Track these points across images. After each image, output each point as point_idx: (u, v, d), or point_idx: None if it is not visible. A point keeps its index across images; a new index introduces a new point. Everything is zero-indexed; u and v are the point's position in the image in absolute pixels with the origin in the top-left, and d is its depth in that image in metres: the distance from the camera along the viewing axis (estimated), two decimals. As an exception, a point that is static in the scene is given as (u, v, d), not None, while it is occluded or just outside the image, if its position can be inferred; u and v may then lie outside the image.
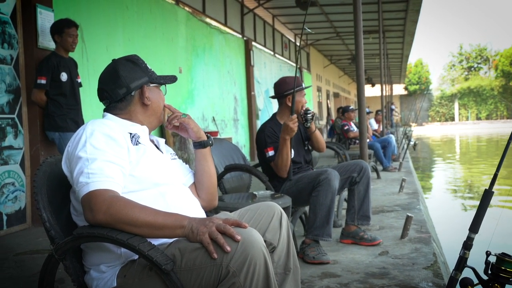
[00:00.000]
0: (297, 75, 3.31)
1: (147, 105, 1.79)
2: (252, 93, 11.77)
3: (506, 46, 53.65)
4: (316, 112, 17.73)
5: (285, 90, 3.44)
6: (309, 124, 3.36)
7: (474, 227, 1.53)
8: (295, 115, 3.16)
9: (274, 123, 3.49)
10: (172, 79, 1.87)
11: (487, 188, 1.50)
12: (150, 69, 1.83)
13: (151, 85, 1.81)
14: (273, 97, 3.59)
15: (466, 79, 54.58)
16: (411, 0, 12.09)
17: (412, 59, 53.54)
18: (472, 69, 56.77)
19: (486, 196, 1.50)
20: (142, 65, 1.81)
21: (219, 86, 9.96)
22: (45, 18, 4.55)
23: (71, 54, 4.56)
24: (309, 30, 9.67)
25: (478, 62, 56.58)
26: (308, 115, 3.33)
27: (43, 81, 4.24)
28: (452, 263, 3.57)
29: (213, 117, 9.42)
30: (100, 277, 1.55)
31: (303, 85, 3.51)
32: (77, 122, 4.44)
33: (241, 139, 11.11)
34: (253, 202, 2.86)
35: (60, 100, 4.35)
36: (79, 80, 4.60)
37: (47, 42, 4.55)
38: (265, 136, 3.37)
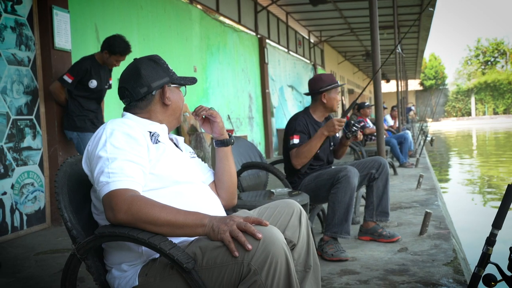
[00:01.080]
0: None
1: (168, 105, 1.80)
2: (267, 90, 11.76)
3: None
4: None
5: (320, 87, 3.45)
6: (351, 135, 3.39)
7: (497, 222, 1.50)
8: (344, 119, 3.24)
9: (307, 115, 3.50)
10: (192, 80, 1.88)
11: (510, 183, 1.47)
12: (171, 70, 1.84)
13: (172, 85, 1.82)
14: (307, 94, 3.60)
15: (483, 74, 53.86)
16: (426, -6, 11.97)
17: (426, 54, 52.98)
18: (489, 63, 55.99)
19: (510, 192, 1.47)
20: (164, 65, 1.82)
21: (234, 84, 9.97)
22: (61, 19, 4.59)
23: (87, 54, 4.59)
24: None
25: (495, 56, 55.78)
26: (355, 127, 3.37)
27: (69, 80, 4.28)
28: (472, 259, 3.55)
29: (228, 115, 9.43)
30: (122, 276, 1.56)
31: (338, 83, 3.51)
32: (96, 123, 4.48)
33: (256, 136, 11.12)
34: (271, 199, 2.86)
35: (82, 102, 4.41)
36: (110, 82, 4.64)
37: (64, 43, 4.60)
38: (296, 124, 3.38)
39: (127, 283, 1.54)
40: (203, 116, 1.98)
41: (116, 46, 4.34)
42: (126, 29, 6.04)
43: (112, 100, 5.30)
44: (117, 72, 5.59)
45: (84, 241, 1.53)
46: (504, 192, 1.55)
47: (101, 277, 1.61)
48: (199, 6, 8.59)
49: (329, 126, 3.19)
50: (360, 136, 3.44)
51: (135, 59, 1.83)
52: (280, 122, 12.68)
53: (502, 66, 55.40)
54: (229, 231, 1.39)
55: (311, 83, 3.54)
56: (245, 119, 10.50)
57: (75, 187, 1.71)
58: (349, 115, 14.09)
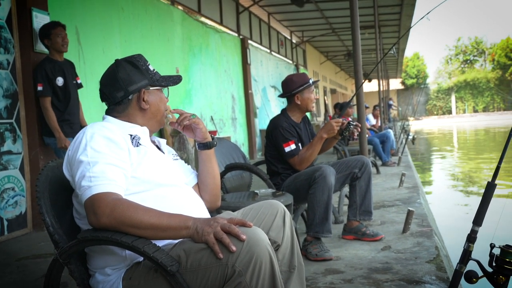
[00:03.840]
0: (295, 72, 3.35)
1: (145, 109, 1.78)
2: (250, 91, 11.76)
3: (502, 38, 53.58)
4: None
5: (292, 88, 3.44)
6: (345, 133, 3.34)
7: (478, 220, 1.53)
8: (341, 120, 3.26)
9: (286, 118, 3.48)
10: (175, 80, 1.85)
11: (489, 181, 1.50)
12: (152, 71, 1.81)
13: (151, 88, 1.80)
14: (282, 96, 3.58)
15: (463, 72, 54.62)
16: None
17: (408, 53, 53.51)
18: (468, 62, 56.81)
19: (489, 189, 1.50)
20: (143, 67, 1.79)
21: (217, 86, 9.95)
22: (41, 22, 4.52)
23: (68, 57, 4.54)
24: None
25: (474, 55, 56.62)
26: (351, 126, 3.33)
27: (40, 88, 4.22)
28: (454, 256, 3.59)
29: (211, 117, 9.41)
30: (106, 280, 1.55)
31: (310, 81, 3.49)
32: (73, 126, 4.41)
33: (240, 137, 11.11)
34: (255, 200, 2.86)
35: (56, 104, 4.32)
36: (79, 81, 4.58)
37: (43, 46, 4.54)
38: (282, 131, 3.35)
39: (110, 287, 1.53)
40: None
41: (43, 29, 4.34)
42: (107, 31, 6.00)
43: (90, 102, 5.26)
44: (93, 75, 5.56)
45: (66, 245, 1.51)
46: (484, 189, 1.58)
47: (84, 281, 1.60)
48: (180, 7, 8.55)
49: (328, 128, 3.22)
50: (356, 133, 3.36)
51: (115, 61, 1.81)
52: (263, 122, 12.69)
53: (481, 65, 56.24)
54: (213, 233, 1.39)
55: (284, 85, 3.53)
56: (228, 120, 10.49)
57: (57, 191, 1.69)
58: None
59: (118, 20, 6.28)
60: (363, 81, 4.40)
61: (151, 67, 1.82)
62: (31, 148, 4.50)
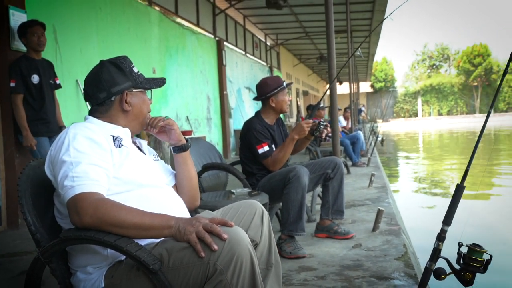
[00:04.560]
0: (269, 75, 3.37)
1: (127, 111, 1.77)
2: (225, 92, 11.76)
3: (466, 45, 54.99)
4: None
5: (267, 91, 3.46)
6: (317, 134, 3.39)
7: (447, 220, 1.58)
8: (311, 120, 3.29)
9: (260, 120, 3.50)
10: (158, 83, 1.84)
11: (459, 182, 1.55)
12: (136, 73, 1.80)
13: (134, 90, 1.79)
14: (256, 99, 3.60)
15: (429, 77, 55.76)
16: (377, 1, 12.29)
17: (378, 58, 54.27)
18: (434, 67, 58.03)
19: (458, 190, 1.55)
20: (127, 69, 1.78)
21: (192, 86, 9.91)
22: (18, 20, 4.43)
23: (45, 56, 4.46)
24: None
25: (440, 60, 57.88)
26: (321, 126, 3.38)
27: (12, 84, 4.13)
28: (420, 253, 3.68)
29: (187, 117, 9.37)
30: (87, 279, 1.54)
31: (284, 84, 3.52)
32: (50, 125, 4.33)
33: (214, 137, 11.10)
34: (231, 199, 2.88)
35: (31, 102, 4.23)
36: (57, 82, 4.51)
37: (21, 44, 4.44)
38: (256, 133, 3.37)
39: (92, 286, 1.52)
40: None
41: (21, 27, 4.27)
42: (84, 30, 5.91)
43: (67, 102, 5.18)
44: (70, 75, 5.47)
45: (48, 244, 1.50)
46: (452, 190, 1.63)
47: (65, 280, 1.58)
48: (158, 8, 8.49)
49: (299, 129, 3.25)
50: (325, 133, 3.43)
51: (100, 62, 1.80)
52: (237, 123, 12.71)
53: (446, 70, 57.54)
54: (195, 232, 1.40)
55: (258, 88, 3.54)
56: (204, 120, 10.46)
57: (38, 190, 1.67)
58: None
59: (95, 20, 6.19)
60: (333, 80, 4.44)
61: (135, 69, 1.81)
62: (7, 147, 4.40)
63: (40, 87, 4.27)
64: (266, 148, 3.35)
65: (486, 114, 1.71)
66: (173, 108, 8.71)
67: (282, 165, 3.37)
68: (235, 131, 12.31)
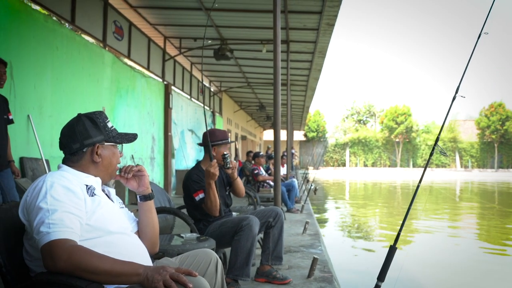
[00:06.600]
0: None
1: (97, 162, 1.84)
2: (169, 133, 11.76)
3: (389, 105, 58.32)
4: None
5: (213, 140, 3.58)
6: (228, 165, 3.48)
7: (381, 276, 1.74)
8: (214, 161, 3.29)
9: (198, 170, 3.59)
10: (130, 138, 1.93)
11: (392, 244, 1.72)
12: (109, 128, 1.88)
13: (107, 143, 1.86)
14: (200, 145, 3.71)
15: (356, 130, 58.35)
16: (314, 61, 12.95)
17: (312, 110, 56.22)
18: (361, 121, 60.93)
19: (391, 251, 1.72)
20: (101, 124, 1.86)
21: (139, 126, 9.88)
22: (-24, 54, 4.35)
23: (0, 91, 4.37)
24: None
25: (367, 116, 60.93)
26: (225, 157, 3.47)
27: None
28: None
29: (132, 155, 9.27)
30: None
31: (229, 140, 3.67)
32: (0, 159, 4.20)
33: (156, 176, 11.00)
34: (182, 244, 2.93)
35: None
36: (10, 117, 4.40)
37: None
38: (192, 183, 3.47)
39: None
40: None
41: None
42: (40, 67, 5.84)
43: (17, 136, 5.04)
44: (22, 110, 5.33)
45: (20, 286, 1.51)
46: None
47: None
48: (111, 51, 8.51)
49: (208, 175, 3.26)
50: (233, 167, 3.51)
51: (78, 115, 1.87)
52: (179, 163, 12.68)
53: (372, 125, 60.57)
54: (162, 280, 1.47)
55: (205, 136, 3.63)
56: (147, 159, 10.38)
57: (8, 232, 1.68)
58: (241, 160, 14.49)
59: (51, 59, 6.14)
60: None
61: (109, 124, 1.89)
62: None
63: None
64: (201, 195, 3.43)
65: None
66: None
67: (217, 209, 3.39)
68: (176, 171, 12.25)
